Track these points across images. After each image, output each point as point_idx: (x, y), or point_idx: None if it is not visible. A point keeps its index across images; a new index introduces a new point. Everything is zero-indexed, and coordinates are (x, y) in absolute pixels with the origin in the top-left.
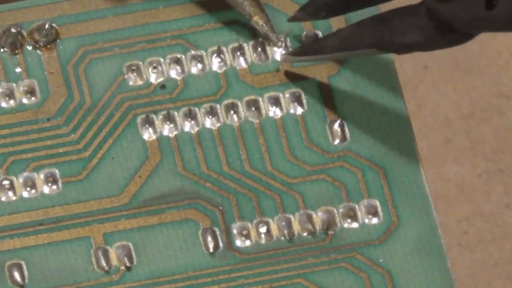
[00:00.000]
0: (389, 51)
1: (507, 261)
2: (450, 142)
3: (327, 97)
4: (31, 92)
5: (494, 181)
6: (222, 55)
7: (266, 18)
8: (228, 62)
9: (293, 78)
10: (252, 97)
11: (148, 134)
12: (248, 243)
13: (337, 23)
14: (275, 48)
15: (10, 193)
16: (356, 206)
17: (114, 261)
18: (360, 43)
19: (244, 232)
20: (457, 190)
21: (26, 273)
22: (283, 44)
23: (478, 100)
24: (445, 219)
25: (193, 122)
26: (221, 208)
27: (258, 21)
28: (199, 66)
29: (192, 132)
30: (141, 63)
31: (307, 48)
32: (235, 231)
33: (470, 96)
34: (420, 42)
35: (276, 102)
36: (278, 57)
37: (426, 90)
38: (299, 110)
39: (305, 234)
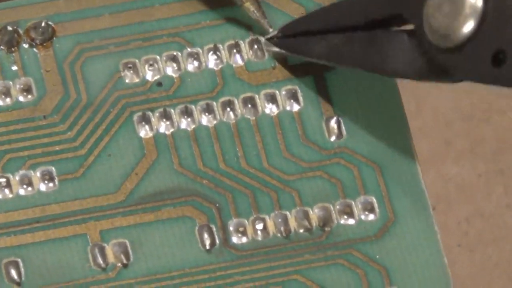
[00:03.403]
0: (376, 73)
1: (507, 262)
2: (450, 143)
3: (323, 94)
4: (27, 90)
5: (494, 182)
6: (218, 53)
7: (257, 4)
8: (225, 60)
9: (290, 75)
10: (249, 94)
11: (144, 132)
12: (244, 240)
13: None
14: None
15: (7, 191)
16: (353, 203)
17: (111, 258)
18: (348, 59)
19: (241, 229)
20: (457, 190)
21: (22, 270)
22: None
23: (478, 100)
24: (445, 219)
25: (189, 119)
26: (217, 205)
27: (249, 7)
28: (196, 63)
29: (189, 129)
30: (137, 60)
31: (293, 46)
32: (231, 228)
33: (470, 97)
34: (408, 73)
35: (272, 99)
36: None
37: (426, 90)
38: (296, 107)
39: (301, 230)
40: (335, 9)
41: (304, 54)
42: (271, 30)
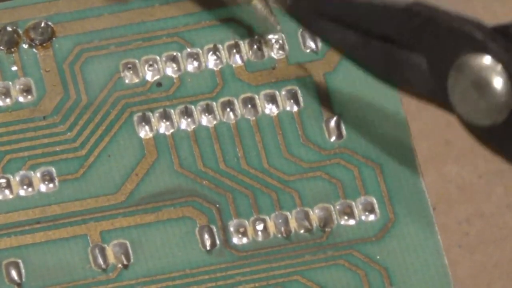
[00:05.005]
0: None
1: (508, 262)
2: (450, 143)
3: (323, 94)
4: (27, 90)
5: (495, 182)
6: (218, 53)
7: (264, 1)
8: (224, 60)
9: (289, 75)
10: (248, 94)
11: (144, 132)
12: (245, 240)
13: None
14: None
15: (7, 192)
16: (353, 203)
17: (111, 259)
18: (363, 63)
19: (241, 230)
20: (458, 191)
21: (23, 271)
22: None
23: None
24: (445, 220)
25: (189, 119)
26: (218, 205)
27: (257, 4)
28: (195, 63)
29: (189, 129)
30: (137, 61)
31: (306, 21)
32: (232, 229)
33: None
34: (431, 96)
35: (272, 99)
36: (274, 55)
37: None
38: (295, 108)
39: (302, 231)
40: (354, 8)
41: (316, 34)
42: (279, 27)
